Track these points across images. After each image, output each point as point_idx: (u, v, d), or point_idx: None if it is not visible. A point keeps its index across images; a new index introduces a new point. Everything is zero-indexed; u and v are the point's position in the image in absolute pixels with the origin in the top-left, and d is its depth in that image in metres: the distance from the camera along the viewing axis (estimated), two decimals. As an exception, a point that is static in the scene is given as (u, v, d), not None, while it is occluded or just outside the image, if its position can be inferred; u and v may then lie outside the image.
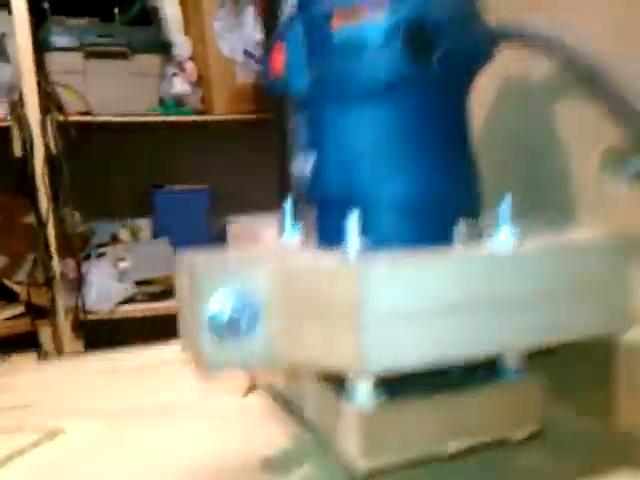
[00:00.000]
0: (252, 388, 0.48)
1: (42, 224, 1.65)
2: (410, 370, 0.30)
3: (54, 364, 0.62)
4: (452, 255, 0.30)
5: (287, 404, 0.43)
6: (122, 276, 1.80)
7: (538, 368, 0.33)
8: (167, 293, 1.83)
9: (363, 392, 0.31)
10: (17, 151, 1.62)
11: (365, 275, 0.28)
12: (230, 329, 0.30)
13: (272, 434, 0.40)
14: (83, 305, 1.69)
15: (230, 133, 1.83)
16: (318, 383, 0.34)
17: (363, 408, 0.30)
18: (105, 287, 1.74)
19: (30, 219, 1.72)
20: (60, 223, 1.69)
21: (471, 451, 0.33)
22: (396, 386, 0.32)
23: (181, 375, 0.52)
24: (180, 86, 1.73)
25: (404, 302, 0.29)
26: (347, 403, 0.31)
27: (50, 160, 1.63)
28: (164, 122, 1.74)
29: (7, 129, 1.59)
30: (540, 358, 0.33)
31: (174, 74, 1.73)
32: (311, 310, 0.30)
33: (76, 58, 1.65)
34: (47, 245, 1.66)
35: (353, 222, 0.29)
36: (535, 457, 0.35)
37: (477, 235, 0.32)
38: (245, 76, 1.71)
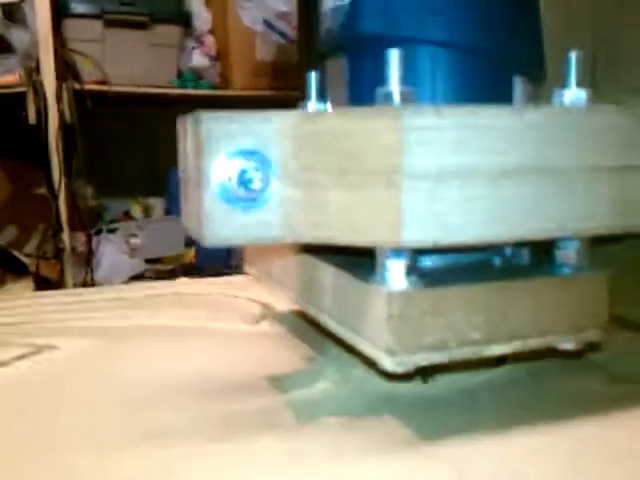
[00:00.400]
0: (265, 316, 0.43)
1: (54, 195, 1.62)
2: (453, 245, 0.25)
3: (52, 292, 0.57)
4: (509, 110, 0.25)
5: (302, 326, 0.39)
6: (133, 252, 1.77)
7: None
8: (175, 272, 1.79)
9: (395, 274, 0.26)
10: (32, 118, 1.59)
11: (407, 124, 0.23)
12: (241, 191, 0.26)
13: (285, 356, 0.36)
14: (92, 279, 1.66)
15: (248, 109, 1.78)
16: (340, 272, 0.29)
17: (394, 291, 0.25)
18: (115, 262, 1.71)
19: (42, 190, 1.69)
20: (72, 195, 1.66)
21: (516, 359, 0.28)
22: (433, 273, 0.27)
23: (191, 303, 0.48)
24: (199, 59, 1.69)
25: (451, 161, 0.24)
26: (375, 287, 0.26)
27: (64, 129, 1.59)
28: (181, 95, 1.70)
29: (22, 95, 1.56)
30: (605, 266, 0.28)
31: (193, 47, 1.70)
32: (337, 170, 0.25)
33: (95, 26, 1.62)
34: (58, 217, 1.63)
35: (395, 59, 0.24)
36: (588, 378, 0.30)
37: (538, 98, 0.27)
38: (265, 52, 1.67)
